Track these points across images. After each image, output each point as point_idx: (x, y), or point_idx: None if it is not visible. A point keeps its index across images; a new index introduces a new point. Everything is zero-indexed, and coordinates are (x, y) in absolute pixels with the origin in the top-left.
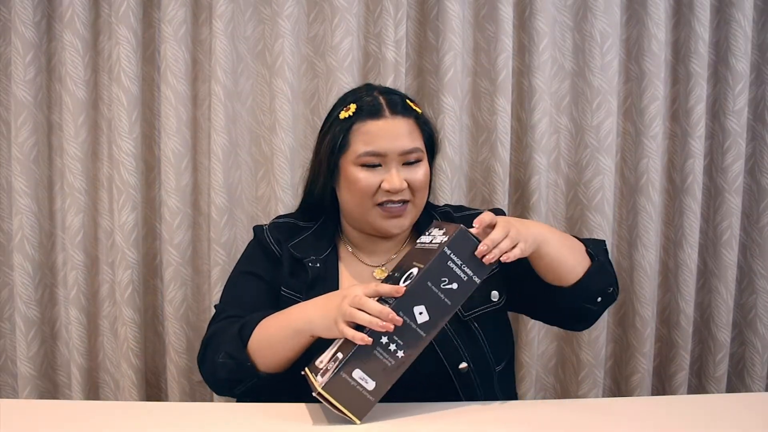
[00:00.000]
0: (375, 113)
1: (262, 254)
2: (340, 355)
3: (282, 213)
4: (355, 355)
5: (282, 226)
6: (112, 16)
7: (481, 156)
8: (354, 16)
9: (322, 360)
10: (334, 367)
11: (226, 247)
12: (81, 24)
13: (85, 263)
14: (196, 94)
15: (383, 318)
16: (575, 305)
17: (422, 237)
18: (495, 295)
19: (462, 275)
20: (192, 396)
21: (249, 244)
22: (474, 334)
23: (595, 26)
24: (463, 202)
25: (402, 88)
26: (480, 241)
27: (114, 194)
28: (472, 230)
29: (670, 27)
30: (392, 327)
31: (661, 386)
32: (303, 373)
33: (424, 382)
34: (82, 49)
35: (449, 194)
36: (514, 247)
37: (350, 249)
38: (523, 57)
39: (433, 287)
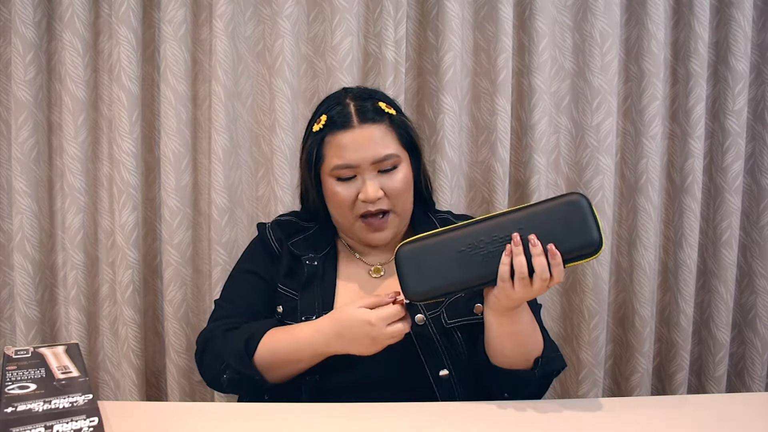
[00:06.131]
0: (344, 124)
1: (263, 252)
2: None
3: (282, 213)
4: None
5: (284, 224)
6: (112, 16)
7: (480, 156)
8: (354, 16)
9: None
10: None
11: (227, 247)
12: (81, 24)
13: (85, 263)
14: (196, 94)
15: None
16: (486, 371)
17: None
18: (478, 308)
19: None
20: (192, 396)
21: (252, 240)
22: (456, 342)
23: (595, 26)
24: (463, 202)
25: (402, 88)
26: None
27: (114, 194)
28: None
29: (669, 27)
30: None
31: (661, 386)
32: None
33: (405, 387)
34: (82, 49)
35: (449, 194)
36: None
37: (349, 248)
38: (523, 57)
39: None
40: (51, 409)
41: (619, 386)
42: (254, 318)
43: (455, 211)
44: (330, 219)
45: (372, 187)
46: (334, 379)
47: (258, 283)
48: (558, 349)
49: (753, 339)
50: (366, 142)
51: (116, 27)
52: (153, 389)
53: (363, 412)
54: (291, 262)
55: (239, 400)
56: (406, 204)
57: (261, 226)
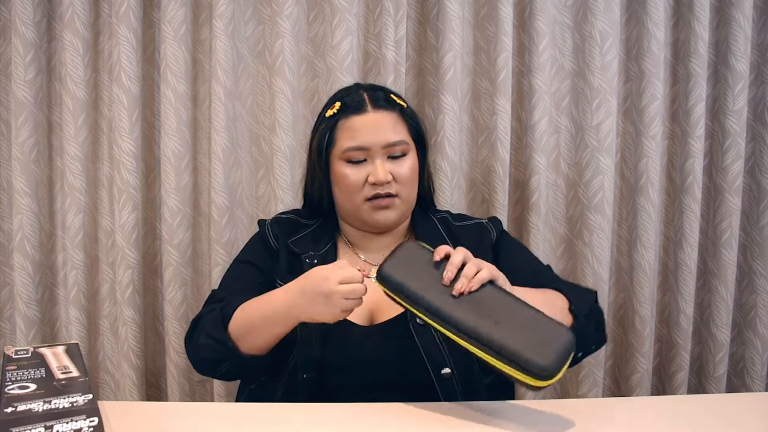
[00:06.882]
0: (358, 108)
1: (261, 246)
2: None
3: (282, 211)
4: None
5: (284, 222)
6: (112, 16)
7: (480, 156)
8: (354, 16)
9: None
10: None
11: (227, 247)
12: (81, 24)
13: (85, 263)
14: (196, 94)
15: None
16: None
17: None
18: None
19: None
20: (192, 396)
21: (252, 236)
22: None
23: (595, 26)
24: (463, 202)
25: (402, 88)
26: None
27: (114, 194)
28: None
29: (669, 27)
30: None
31: (661, 386)
32: None
33: (406, 388)
34: (82, 49)
35: (449, 194)
36: (479, 271)
37: (349, 245)
38: (523, 57)
39: None
40: (51, 409)
41: (619, 386)
42: None
43: (453, 211)
44: (331, 214)
45: (382, 169)
46: (333, 380)
47: (255, 274)
48: (578, 286)
49: (753, 339)
50: (379, 126)
51: (116, 27)
52: (153, 389)
53: (363, 412)
54: (290, 259)
55: (236, 400)
56: (412, 193)
57: (261, 223)
